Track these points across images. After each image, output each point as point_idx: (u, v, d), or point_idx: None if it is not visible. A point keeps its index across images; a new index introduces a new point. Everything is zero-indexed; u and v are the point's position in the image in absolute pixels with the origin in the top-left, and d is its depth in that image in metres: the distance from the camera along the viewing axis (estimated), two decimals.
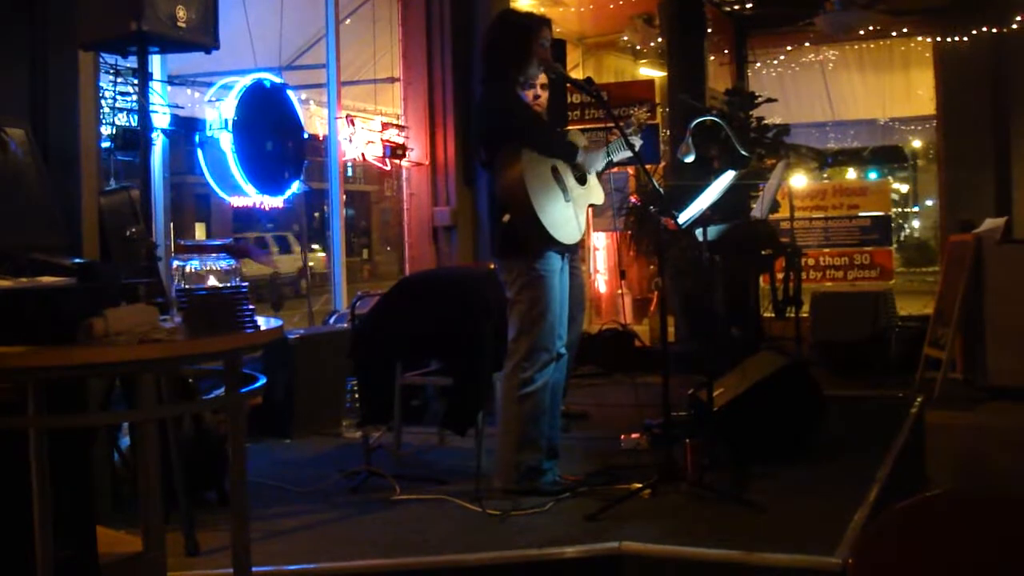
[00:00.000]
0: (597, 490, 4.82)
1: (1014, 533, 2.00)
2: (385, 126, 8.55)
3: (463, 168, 8.78)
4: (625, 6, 11.47)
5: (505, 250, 4.91)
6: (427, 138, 8.90)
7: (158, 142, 6.38)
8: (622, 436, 5.84)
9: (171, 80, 6.85)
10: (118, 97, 5.69)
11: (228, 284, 3.17)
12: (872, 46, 13.55)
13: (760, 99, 10.16)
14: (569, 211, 4.96)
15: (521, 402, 4.86)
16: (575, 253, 5.22)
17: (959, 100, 11.25)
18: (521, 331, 4.87)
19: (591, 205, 5.29)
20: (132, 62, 5.03)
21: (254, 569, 3.30)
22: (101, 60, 5.34)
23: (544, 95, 6.08)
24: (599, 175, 5.34)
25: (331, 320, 7.70)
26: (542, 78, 5.88)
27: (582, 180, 5.14)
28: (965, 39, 11.01)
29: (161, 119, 6.36)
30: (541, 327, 4.84)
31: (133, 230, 4.59)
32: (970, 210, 9.94)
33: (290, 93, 7.57)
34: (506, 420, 4.92)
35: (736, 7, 11.46)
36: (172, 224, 6.99)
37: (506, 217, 4.84)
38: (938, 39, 11.50)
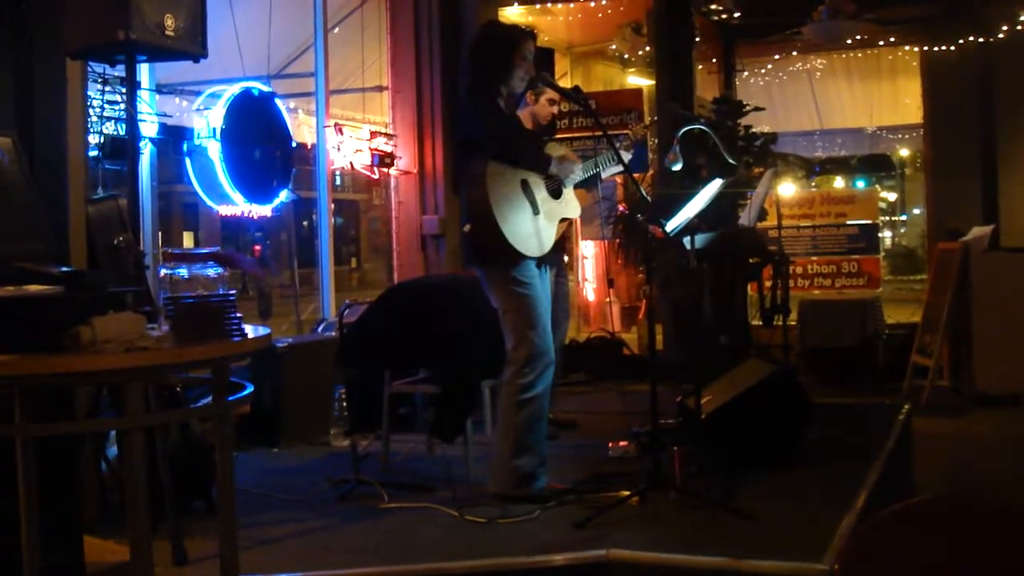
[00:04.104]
0: (585, 498, 4.83)
1: (1001, 540, 2.00)
2: (373, 135, 8.56)
3: (451, 177, 8.79)
4: (613, 15, 11.48)
5: (472, 260, 4.94)
6: (415, 147, 8.91)
7: (146, 151, 6.38)
8: (610, 444, 5.84)
9: (159, 89, 6.85)
10: (106, 105, 5.68)
11: (215, 292, 3.16)
12: (859, 55, 13.58)
13: (748, 108, 10.17)
14: (536, 225, 4.94)
15: (520, 408, 4.86)
16: (557, 264, 5.21)
17: (946, 109, 11.27)
18: (519, 339, 4.87)
19: (565, 219, 5.22)
20: (120, 70, 5.03)
21: None
22: (89, 68, 5.34)
23: (549, 110, 6.06)
24: (589, 186, 5.33)
25: (319, 328, 7.69)
26: (551, 94, 5.86)
27: (556, 194, 5.12)
28: (952, 48, 11.04)
29: (149, 128, 6.35)
30: (536, 332, 4.86)
31: (121, 239, 4.58)
32: (957, 218, 9.96)
33: (278, 102, 7.57)
34: (505, 426, 4.92)
35: (724, 16, 11.48)
36: (160, 233, 6.98)
37: (466, 227, 4.86)
38: (925, 48, 11.53)
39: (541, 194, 5.03)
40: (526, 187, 4.96)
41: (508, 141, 5.02)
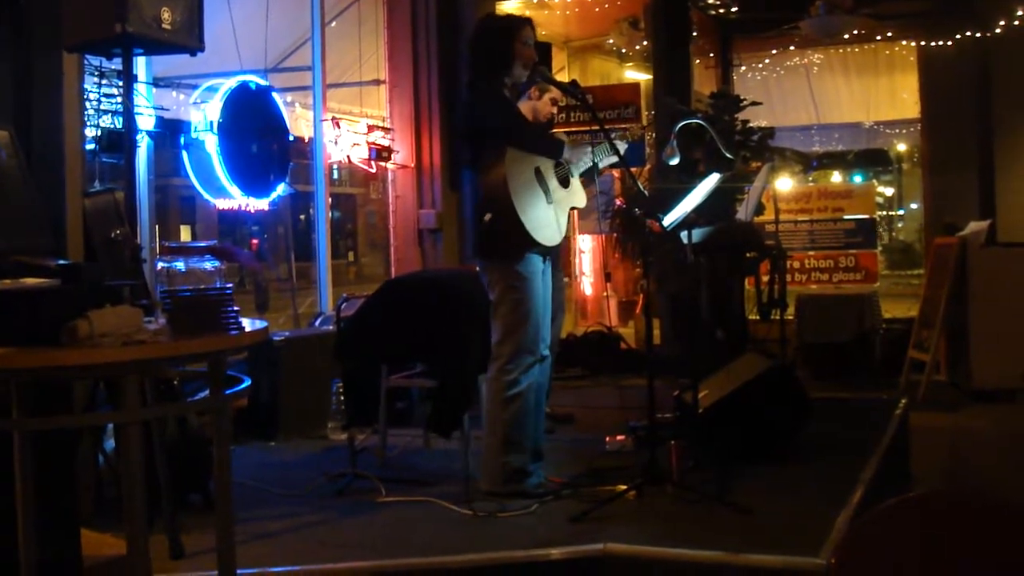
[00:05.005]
0: (582, 492, 4.82)
1: (997, 535, 2.01)
2: (371, 128, 8.55)
3: (449, 171, 8.78)
4: (611, 9, 11.49)
5: (486, 251, 4.92)
6: (413, 141, 8.90)
7: (143, 144, 6.37)
8: (607, 438, 5.84)
9: (156, 82, 6.84)
10: (103, 99, 5.68)
11: (212, 286, 3.16)
12: (857, 50, 13.59)
13: (745, 102, 10.18)
14: (551, 213, 4.96)
15: (506, 404, 4.86)
16: (556, 255, 5.21)
17: (943, 104, 11.29)
18: (506, 333, 4.87)
19: (573, 208, 5.29)
20: (117, 64, 5.03)
21: (239, 572, 3.29)
22: (86, 62, 5.33)
23: (550, 108, 6.06)
24: (586, 179, 5.33)
25: (316, 322, 7.69)
26: (554, 93, 5.86)
27: (564, 182, 5.14)
28: (949, 43, 11.06)
29: (146, 121, 6.35)
30: (525, 329, 4.85)
31: (117, 232, 4.58)
32: (954, 213, 9.98)
33: (275, 95, 7.56)
34: (491, 423, 4.92)
35: (721, 11, 11.49)
36: (157, 226, 6.98)
37: (487, 217, 4.84)
38: (922, 43, 11.55)
39: (552, 183, 5.04)
40: (539, 176, 4.97)
41: (522, 129, 5.01)
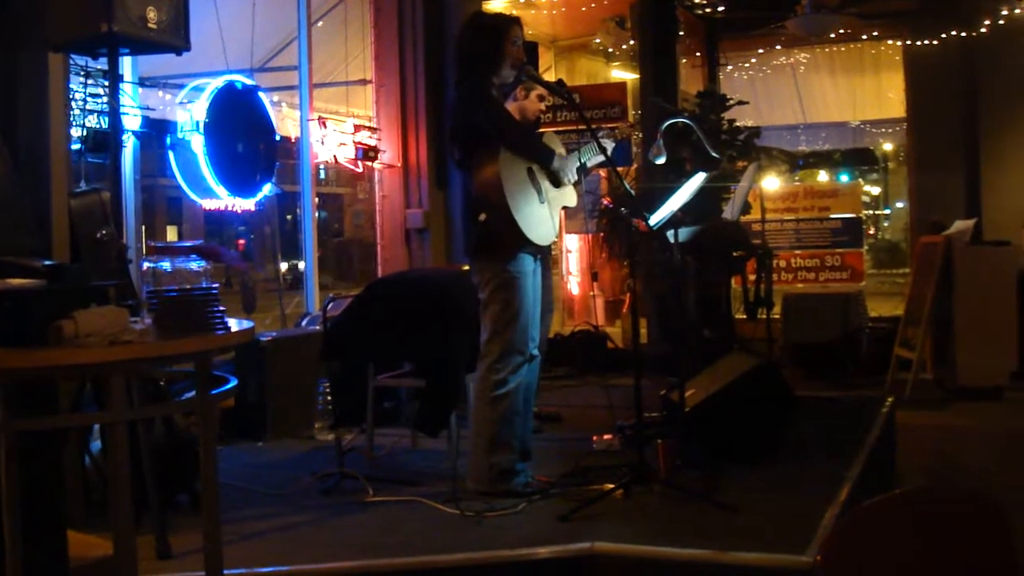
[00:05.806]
0: (569, 491, 4.82)
1: (981, 531, 2.02)
2: (357, 128, 8.54)
3: (435, 170, 8.78)
4: (597, 9, 11.49)
5: (480, 250, 4.91)
6: (399, 140, 8.88)
7: (129, 144, 6.36)
8: (594, 437, 5.85)
9: (142, 82, 6.82)
10: (88, 99, 5.66)
11: (198, 286, 3.15)
12: (843, 49, 13.64)
13: (732, 102, 10.21)
14: (544, 212, 4.97)
15: (494, 404, 4.85)
16: (547, 255, 5.22)
17: (929, 103, 11.33)
18: (494, 333, 4.87)
19: (564, 207, 5.30)
20: (102, 63, 5.01)
21: (226, 572, 3.29)
22: (71, 61, 5.32)
23: (537, 106, 6.07)
24: (576, 181, 5.34)
25: (303, 322, 7.68)
26: (541, 90, 5.89)
27: (556, 182, 5.15)
28: (935, 43, 11.09)
29: (132, 121, 6.33)
30: (514, 329, 4.85)
31: (103, 232, 4.56)
32: (940, 212, 10.02)
33: (262, 95, 7.54)
34: (479, 422, 4.92)
35: (708, 10, 11.50)
36: (143, 226, 6.95)
37: (482, 216, 4.84)
38: (908, 42, 11.58)
39: (544, 182, 5.05)
40: (532, 175, 4.97)
41: (512, 130, 5.01)
